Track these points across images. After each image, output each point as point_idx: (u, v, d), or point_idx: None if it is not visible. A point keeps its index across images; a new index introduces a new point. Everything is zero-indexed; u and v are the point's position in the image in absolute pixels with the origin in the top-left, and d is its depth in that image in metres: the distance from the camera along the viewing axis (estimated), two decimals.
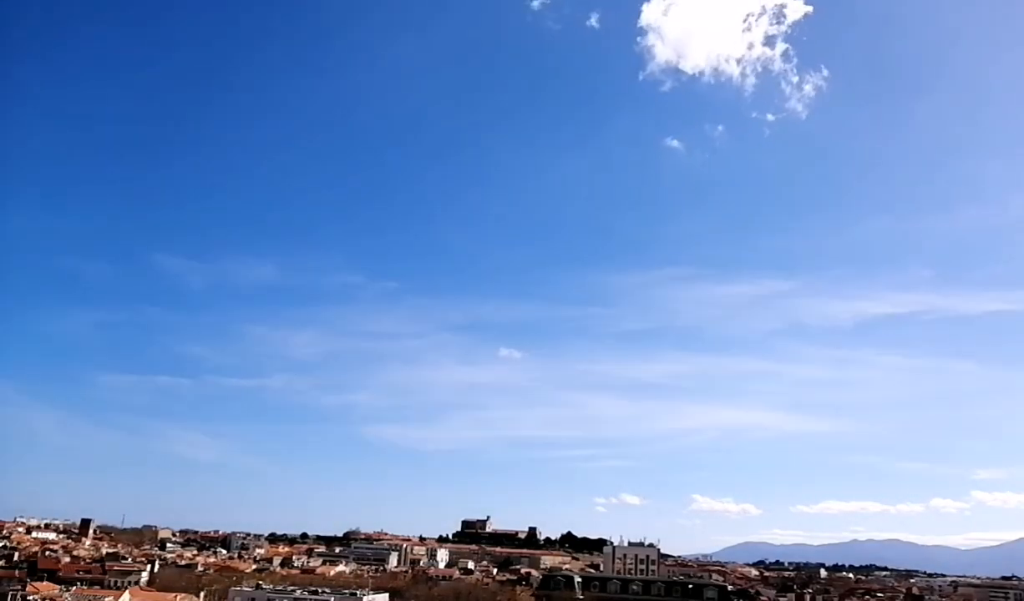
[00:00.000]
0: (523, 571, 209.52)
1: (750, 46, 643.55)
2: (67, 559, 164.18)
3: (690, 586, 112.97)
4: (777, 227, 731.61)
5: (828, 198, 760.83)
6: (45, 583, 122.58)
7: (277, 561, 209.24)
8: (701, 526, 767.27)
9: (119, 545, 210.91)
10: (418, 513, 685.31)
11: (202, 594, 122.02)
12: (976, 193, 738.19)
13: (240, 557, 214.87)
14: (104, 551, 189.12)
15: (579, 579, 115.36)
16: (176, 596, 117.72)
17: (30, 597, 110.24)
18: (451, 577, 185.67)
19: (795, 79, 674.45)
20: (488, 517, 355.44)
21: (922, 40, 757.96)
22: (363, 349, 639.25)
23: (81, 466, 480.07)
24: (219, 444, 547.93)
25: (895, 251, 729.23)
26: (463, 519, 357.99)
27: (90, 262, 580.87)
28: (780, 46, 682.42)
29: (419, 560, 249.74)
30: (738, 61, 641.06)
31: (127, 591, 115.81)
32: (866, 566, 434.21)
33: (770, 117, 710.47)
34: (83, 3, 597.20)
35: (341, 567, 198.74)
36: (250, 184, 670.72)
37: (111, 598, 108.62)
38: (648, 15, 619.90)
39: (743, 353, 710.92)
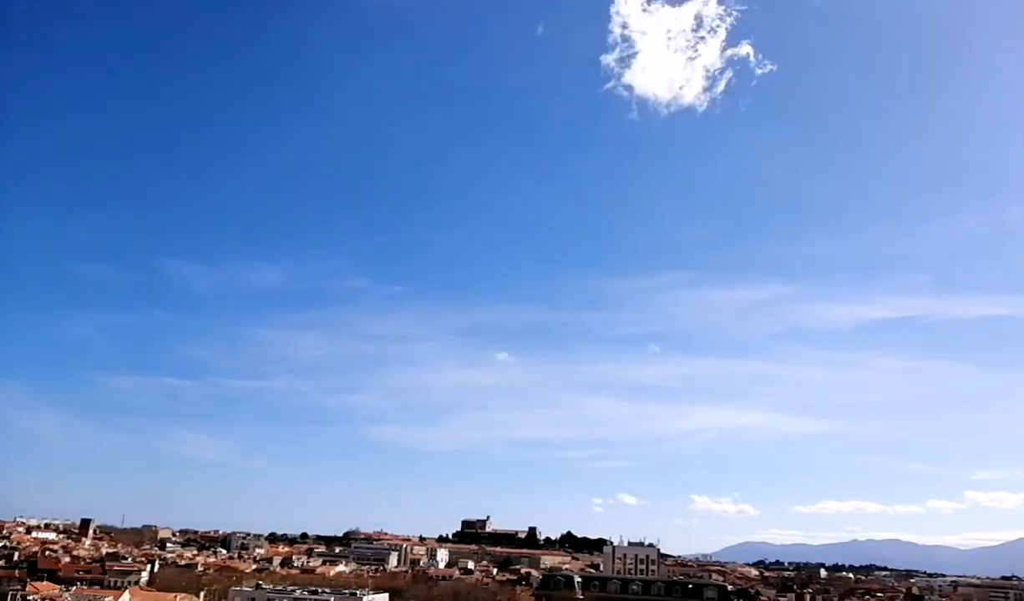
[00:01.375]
0: (523, 571, 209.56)
1: (713, 101, 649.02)
2: (67, 559, 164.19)
3: (690, 586, 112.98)
4: (777, 234, 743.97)
5: (827, 206, 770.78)
6: (45, 583, 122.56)
7: (277, 561, 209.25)
8: (700, 526, 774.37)
9: (119, 545, 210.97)
10: (419, 513, 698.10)
11: (202, 594, 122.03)
12: (972, 201, 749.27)
13: (240, 557, 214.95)
14: (104, 551, 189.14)
15: (579, 579, 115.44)
16: (176, 596, 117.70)
17: (30, 597, 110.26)
18: (451, 577, 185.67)
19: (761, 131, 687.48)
20: (488, 517, 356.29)
21: (905, 68, 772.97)
22: (367, 351, 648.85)
23: (82, 466, 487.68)
24: (222, 445, 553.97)
25: (893, 257, 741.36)
26: (463, 519, 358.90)
27: (99, 266, 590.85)
28: (744, 100, 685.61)
29: (419, 560, 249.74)
30: (704, 113, 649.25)
31: (127, 591, 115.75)
32: (866, 566, 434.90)
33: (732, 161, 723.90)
34: (90, 6, 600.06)
35: (341, 567, 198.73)
36: (258, 190, 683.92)
37: (111, 598, 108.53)
38: (608, 64, 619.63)
39: (743, 355, 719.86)
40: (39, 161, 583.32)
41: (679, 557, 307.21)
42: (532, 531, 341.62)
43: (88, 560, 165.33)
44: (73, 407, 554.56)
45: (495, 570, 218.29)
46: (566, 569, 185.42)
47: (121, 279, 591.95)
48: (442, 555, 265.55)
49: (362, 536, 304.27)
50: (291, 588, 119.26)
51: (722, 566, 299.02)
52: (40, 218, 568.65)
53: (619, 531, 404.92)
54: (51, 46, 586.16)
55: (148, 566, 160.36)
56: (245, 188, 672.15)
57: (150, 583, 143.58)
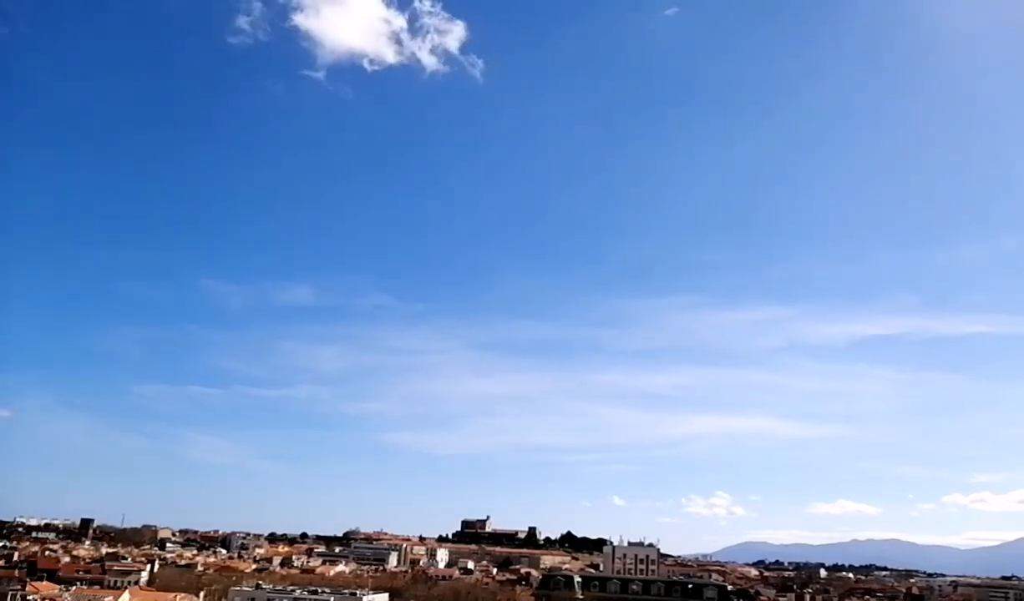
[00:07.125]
0: (523, 571, 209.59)
1: None
2: (67, 559, 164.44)
3: (690, 586, 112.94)
4: (777, 257, 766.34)
5: (825, 232, 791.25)
6: (45, 583, 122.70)
7: (277, 561, 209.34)
8: (701, 527, 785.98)
9: (119, 545, 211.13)
10: (421, 514, 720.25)
11: (202, 594, 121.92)
12: (964, 230, 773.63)
13: (240, 557, 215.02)
14: (104, 551, 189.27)
15: (579, 579, 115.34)
16: (176, 596, 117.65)
17: (30, 597, 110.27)
18: (451, 577, 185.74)
19: None
20: (488, 517, 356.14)
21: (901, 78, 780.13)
22: (386, 363, 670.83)
23: (90, 468, 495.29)
24: (237, 449, 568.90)
25: (884, 281, 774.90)
26: (463, 519, 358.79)
27: (141, 285, 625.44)
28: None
29: (419, 560, 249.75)
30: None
31: (127, 591, 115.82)
32: (866, 566, 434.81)
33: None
34: (130, 44, 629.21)
35: (341, 567, 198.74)
36: (292, 214, 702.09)
37: (111, 598, 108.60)
38: None
39: (745, 366, 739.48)
40: (89, 192, 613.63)
41: (679, 557, 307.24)
42: (532, 531, 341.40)
43: (88, 560, 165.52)
44: (100, 413, 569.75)
45: (495, 570, 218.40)
46: (566, 569, 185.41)
47: (160, 297, 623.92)
48: (442, 555, 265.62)
49: (362, 536, 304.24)
50: (291, 588, 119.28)
51: (722, 566, 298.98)
52: (94, 244, 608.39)
53: (620, 531, 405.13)
54: (101, 90, 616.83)
55: (148, 566, 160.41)
56: (281, 213, 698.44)
57: (150, 583, 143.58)
